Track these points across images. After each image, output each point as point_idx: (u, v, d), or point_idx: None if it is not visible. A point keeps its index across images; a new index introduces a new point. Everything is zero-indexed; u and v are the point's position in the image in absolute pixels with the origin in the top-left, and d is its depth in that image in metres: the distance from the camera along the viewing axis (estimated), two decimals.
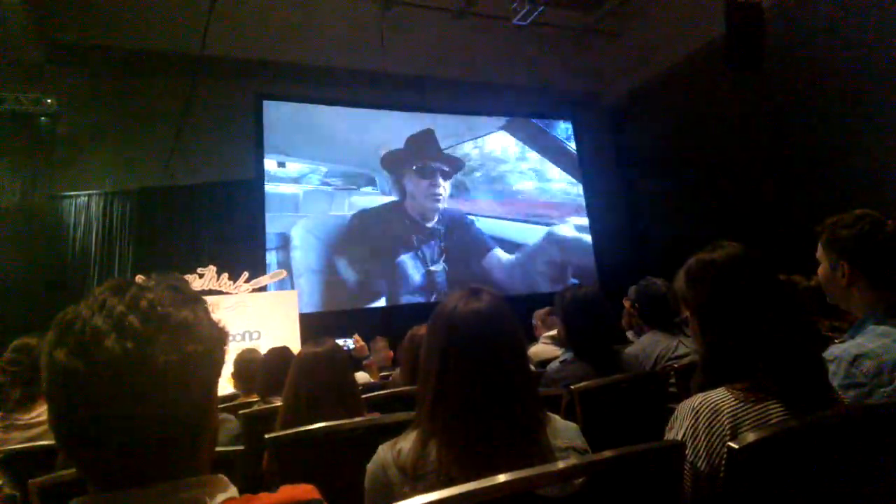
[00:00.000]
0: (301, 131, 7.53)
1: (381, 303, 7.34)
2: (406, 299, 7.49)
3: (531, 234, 8.49)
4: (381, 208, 7.74)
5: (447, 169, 8.29)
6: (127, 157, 7.08)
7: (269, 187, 7.12)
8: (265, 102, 7.39)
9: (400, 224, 7.79)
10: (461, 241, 8.09)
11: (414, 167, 8.09)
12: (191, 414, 0.67)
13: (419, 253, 7.76)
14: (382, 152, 7.90)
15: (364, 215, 7.59)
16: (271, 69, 7.67)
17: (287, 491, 0.72)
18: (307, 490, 0.73)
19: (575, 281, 8.35)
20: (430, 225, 7.95)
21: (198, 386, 0.67)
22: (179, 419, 0.65)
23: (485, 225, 8.27)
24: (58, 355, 0.62)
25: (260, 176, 7.09)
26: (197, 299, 0.72)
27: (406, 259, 7.66)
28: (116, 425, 0.61)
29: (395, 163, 7.97)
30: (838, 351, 1.34)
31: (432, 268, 7.77)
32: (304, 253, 7.09)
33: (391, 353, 5.17)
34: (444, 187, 8.21)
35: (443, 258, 7.88)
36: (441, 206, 8.10)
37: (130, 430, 0.62)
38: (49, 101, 6.50)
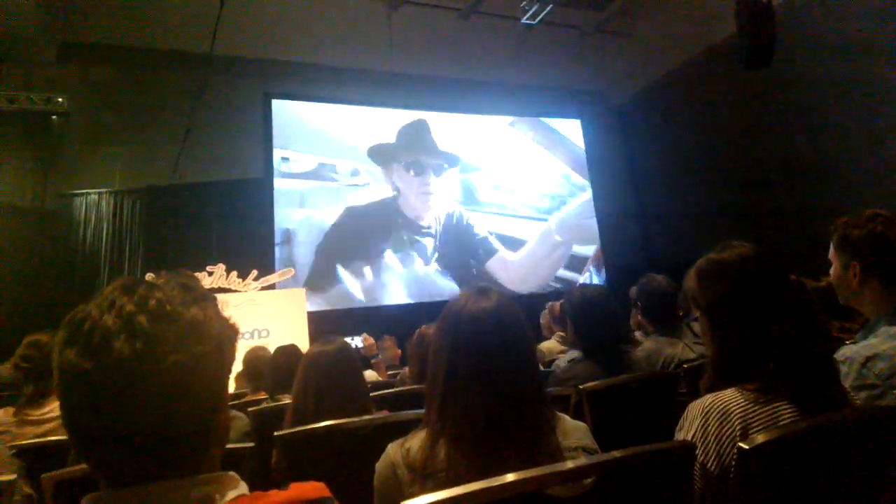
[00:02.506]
0: (308, 129, 7.49)
1: (372, 303, 7.17)
2: (393, 300, 7.28)
3: (537, 232, 8.42)
4: (373, 205, 7.48)
5: (443, 165, 8.00)
6: (137, 155, 7.13)
7: (276, 183, 7.10)
8: (273, 101, 7.40)
9: (391, 222, 7.52)
10: (459, 240, 7.84)
11: (403, 162, 7.79)
12: (201, 412, 0.67)
13: (409, 252, 7.52)
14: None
15: (354, 213, 7.36)
16: (280, 68, 7.70)
17: (297, 489, 0.72)
18: (317, 488, 0.73)
19: (582, 280, 8.32)
20: (423, 223, 7.69)
21: (208, 384, 0.68)
22: (189, 417, 0.65)
23: (488, 223, 8.10)
24: (68, 355, 0.63)
25: (269, 174, 7.11)
26: (207, 297, 0.72)
27: (394, 259, 7.42)
28: (126, 424, 0.62)
29: (383, 156, 7.68)
30: (850, 352, 1.33)
31: (423, 268, 7.55)
32: (306, 250, 7.04)
33: (399, 352, 5.19)
34: (438, 184, 7.89)
35: (435, 258, 7.65)
36: (434, 203, 7.81)
37: (140, 429, 0.62)
38: (60, 99, 6.55)
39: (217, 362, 0.69)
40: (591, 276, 8.52)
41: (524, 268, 8.17)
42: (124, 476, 0.64)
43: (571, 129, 9.23)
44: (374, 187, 7.60)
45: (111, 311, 0.64)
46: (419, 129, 8.02)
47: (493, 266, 7.99)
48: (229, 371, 0.74)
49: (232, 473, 0.70)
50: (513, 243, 8.21)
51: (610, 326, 2.17)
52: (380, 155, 7.69)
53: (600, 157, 9.23)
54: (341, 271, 7.13)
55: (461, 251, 7.83)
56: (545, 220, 8.55)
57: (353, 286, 7.15)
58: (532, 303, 4.06)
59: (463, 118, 8.50)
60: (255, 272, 6.26)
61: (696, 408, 1.09)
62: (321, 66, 7.90)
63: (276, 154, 7.20)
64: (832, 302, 1.69)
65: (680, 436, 1.09)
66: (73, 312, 0.66)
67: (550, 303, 4.09)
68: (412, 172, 7.81)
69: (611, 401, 1.87)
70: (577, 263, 8.55)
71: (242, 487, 0.70)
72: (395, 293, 7.36)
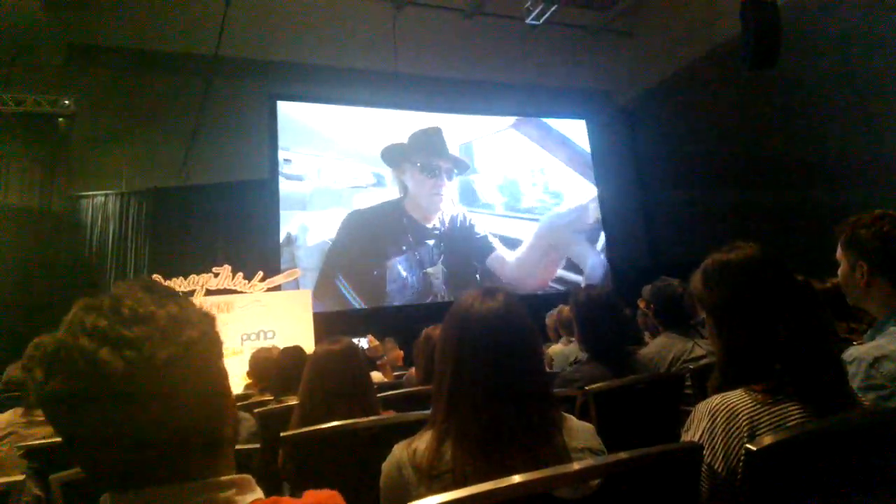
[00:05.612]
0: (311, 131, 7.49)
1: (377, 304, 7.19)
2: (398, 301, 7.29)
3: (541, 234, 8.40)
4: (378, 207, 7.50)
5: (454, 169, 8.07)
6: (143, 157, 7.17)
7: (281, 186, 7.11)
8: (278, 102, 7.42)
9: (396, 224, 7.54)
10: (463, 242, 7.86)
11: (418, 163, 7.84)
12: (206, 402, 0.66)
13: (415, 254, 7.51)
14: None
15: (359, 215, 7.37)
16: (285, 70, 7.73)
17: (312, 496, 0.72)
18: (332, 496, 0.73)
19: (588, 281, 8.29)
20: (429, 225, 7.71)
21: (204, 371, 0.66)
22: (196, 410, 0.64)
23: (492, 225, 8.11)
24: (53, 387, 0.60)
25: (274, 175, 7.12)
26: (175, 293, 0.71)
27: (399, 260, 7.41)
28: (136, 433, 0.60)
29: (395, 157, 7.72)
30: (858, 353, 1.32)
31: (429, 270, 7.54)
32: (310, 253, 7.05)
33: (400, 353, 5.20)
34: (448, 188, 7.96)
35: (441, 260, 7.65)
36: (443, 206, 7.86)
37: (150, 434, 0.61)
38: (67, 102, 6.60)
39: (206, 347, 0.68)
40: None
41: (523, 267, 8.18)
42: (133, 481, 0.63)
43: (576, 130, 9.21)
44: (377, 190, 7.60)
45: (84, 332, 0.61)
46: (433, 134, 8.08)
47: (492, 264, 8.00)
48: (221, 352, 0.72)
49: (248, 477, 0.70)
50: (515, 245, 8.22)
51: (616, 327, 2.16)
52: (393, 155, 7.72)
53: (605, 156, 9.21)
54: (346, 273, 7.13)
55: (463, 251, 7.85)
56: (551, 222, 8.52)
57: (358, 288, 7.15)
58: (533, 304, 4.03)
59: (466, 119, 8.49)
60: (260, 273, 6.28)
61: (702, 408, 1.08)
62: (326, 67, 7.92)
63: (281, 156, 7.21)
64: (839, 303, 1.68)
65: (687, 437, 1.09)
66: (35, 349, 0.64)
67: (560, 306, 4.07)
68: (426, 174, 7.85)
69: (617, 402, 1.87)
70: (578, 266, 8.55)
71: (259, 492, 0.69)
72: (400, 294, 7.36)
